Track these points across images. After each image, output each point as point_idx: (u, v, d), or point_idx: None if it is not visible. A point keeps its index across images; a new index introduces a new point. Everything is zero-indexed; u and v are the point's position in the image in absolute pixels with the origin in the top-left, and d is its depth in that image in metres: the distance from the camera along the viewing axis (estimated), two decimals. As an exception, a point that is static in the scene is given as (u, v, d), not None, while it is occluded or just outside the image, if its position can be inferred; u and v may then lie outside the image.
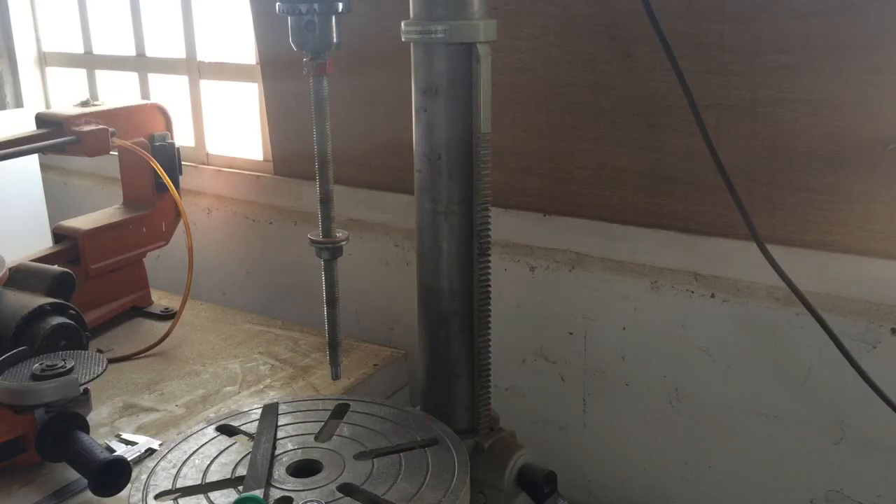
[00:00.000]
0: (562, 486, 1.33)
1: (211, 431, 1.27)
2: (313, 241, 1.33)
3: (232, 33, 2.31)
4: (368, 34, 1.76)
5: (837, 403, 1.48)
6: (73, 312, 1.66)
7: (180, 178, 2.03)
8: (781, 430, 1.55)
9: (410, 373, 1.86)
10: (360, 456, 1.18)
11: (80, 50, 2.72)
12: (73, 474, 1.37)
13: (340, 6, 1.21)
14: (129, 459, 1.35)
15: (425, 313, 1.35)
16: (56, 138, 1.77)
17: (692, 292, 1.59)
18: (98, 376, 1.37)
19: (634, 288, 1.65)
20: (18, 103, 2.86)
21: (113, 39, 2.64)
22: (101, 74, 2.72)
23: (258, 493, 1.07)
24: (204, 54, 2.37)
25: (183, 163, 2.07)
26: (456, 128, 1.24)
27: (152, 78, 2.55)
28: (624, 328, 1.68)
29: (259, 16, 2.06)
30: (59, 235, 1.96)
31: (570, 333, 1.74)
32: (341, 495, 1.09)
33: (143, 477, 1.14)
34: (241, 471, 1.14)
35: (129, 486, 1.28)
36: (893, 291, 1.42)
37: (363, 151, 1.98)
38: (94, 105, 1.90)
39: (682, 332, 1.61)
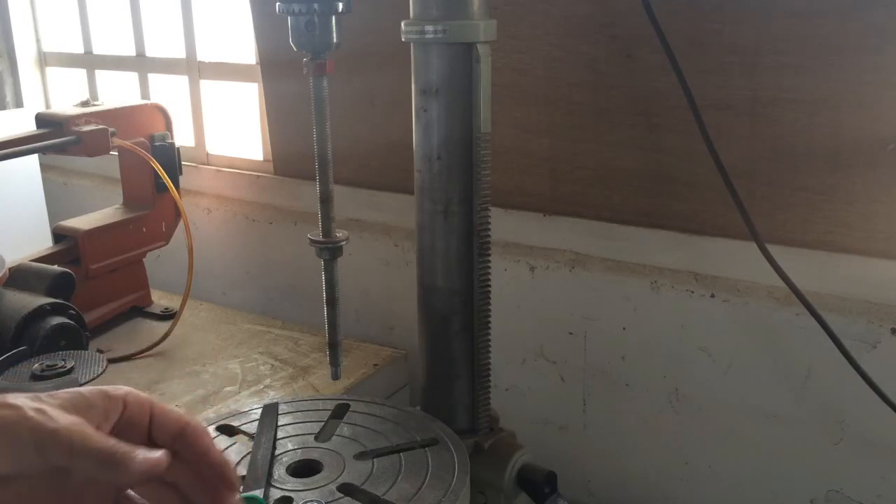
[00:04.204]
0: (562, 486, 1.33)
1: (211, 431, 1.27)
2: (313, 241, 1.33)
3: (232, 33, 2.31)
4: (368, 34, 1.76)
5: (837, 403, 1.48)
6: (73, 312, 1.66)
7: (180, 178, 2.04)
8: (781, 430, 1.55)
9: (410, 373, 1.86)
10: (360, 456, 1.18)
11: (80, 50, 2.72)
12: (73, 474, 1.36)
13: (340, 6, 1.21)
14: (129, 459, 1.35)
15: (425, 313, 1.35)
16: (56, 138, 1.77)
17: (692, 292, 1.59)
18: (98, 376, 1.37)
19: (634, 288, 1.65)
20: (18, 103, 2.86)
21: (113, 39, 2.64)
22: (101, 74, 2.72)
23: (258, 493, 1.07)
24: (204, 54, 2.37)
25: (183, 163, 2.07)
26: (456, 128, 1.24)
27: (152, 78, 2.54)
28: (624, 328, 1.68)
29: (259, 16, 2.06)
30: (59, 235, 1.96)
31: (570, 333, 1.74)
32: (341, 495, 1.09)
33: (143, 477, 1.14)
34: (241, 471, 1.14)
35: (129, 486, 1.28)
36: (893, 291, 1.42)
37: (363, 151, 1.98)
38: (94, 105, 1.90)
39: (681, 332, 1.61)
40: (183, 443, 0.70)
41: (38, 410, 0.60)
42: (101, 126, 1.81)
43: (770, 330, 1.53)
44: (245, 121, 2.32)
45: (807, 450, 1.53)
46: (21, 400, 0.61)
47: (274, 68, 2.10)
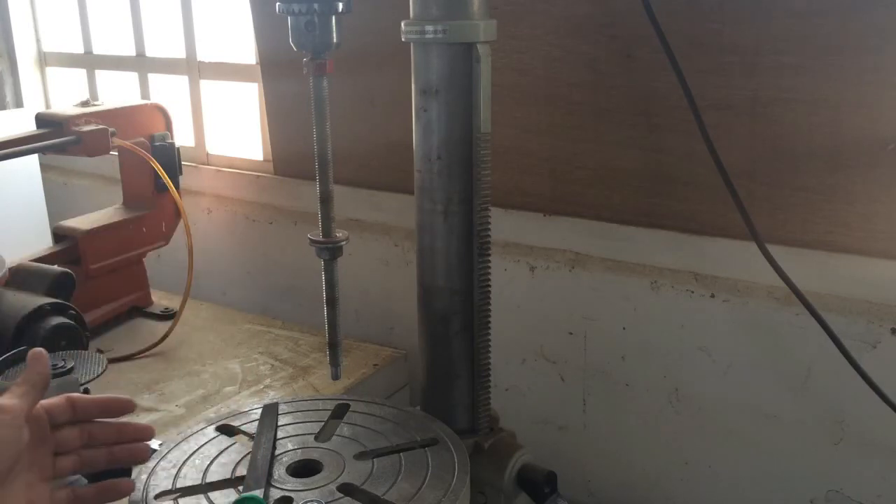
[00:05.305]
0: (562, 486, 1.33)
1: (211, 431, 1.27)
2: (313, 241, 1.33)
3: (232, 33, 2.31)
4: (368, 34, 1.77)
5: (837, 403, 1.48)
6: (73, 312, 1.66)
7: (180, 178, 2.04)
8: (781, 430, 1.55)
9: (410, 373, 1.86)
10: (360, 456, 1.18)
11: (80, 50, 2.72)
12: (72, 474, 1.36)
13: (340, 6, 1.21)
14: (129, 459, 1.35)
15: (425, 313, 1.35)
16: (56, 138, 1.77)
17: (692, 292, 1.59)
18: (98, 376, 1.37)
19: (634, 288, 1.65)
20: (18, 103, 2.86)
21: (113, 39, 2.64)
22: (101, 74, 2.72)
23: (258, 493, 1.07)
24: (204, 54, 2.37)
25: (183, 163, 2.07)
26: (456, 128, 1.24)
27: (152, 78, 2.55)
28: (624, 328, 1.68)
29: (259, 16, 2.06)
30: (59, 235, 1.96)
31: (570, 333, 1.74)
32: (341, 495, 1.09)
33: (143, 477, 1.14)
34: (241, 471, 1.14)
35: (129, 486, 1.28)
36: (893, 291, 1.42)
37: (363, 151, 1.98)
38: (94, 105, 1.90)
39: (681, 332, 1.61)
40: (76, 407, 0.92)
41: None
42: (101, 126, 1.81)
43: (770, 330, 1.53)
44: (245, 121, 2.32)
45: (807, 450, 1.53)
46: None
47: (274, 68, 2.10)
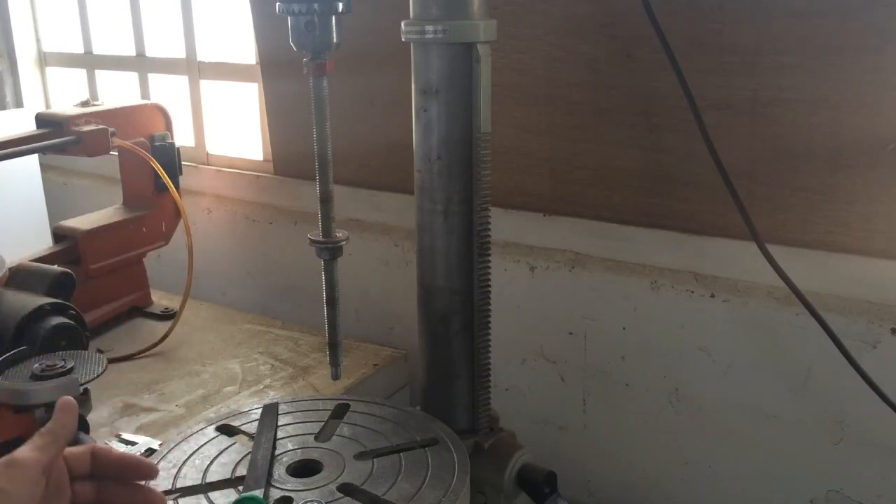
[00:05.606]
0: (562, 486, 1.33)
1: (211, 431, 1.27)
2: (313, 241, 1.33)
3: (232, 33, 2.31)
4: (368, 34, 1.76)
5: (837, 403, 1.48)
6: (73, 312, 1.66)
7: (180, 178, 2.04)
8: (781, 430, 1.55)
9: (410, 373, 1.86)
10: (360, 456, 1.19)
11: (80, 50, 2.72)
12: (73, 474, 1.36)
13: (340, 6, 1.21)
14: (129, 459, 1.35)
15: (425, 313, 1.35)
16: (56, 138, 1.77)
17: (692, 292, 1.59)
18: (98, 376, 1.37)
19: (634, 288, 1.65)
20: (18, 103, 2.86)
21: (113, 39, 2.64)
22: (101, 74, 2.72)
23: (258, 493, 1.07)
24: (204, 54, 2.37)
25: (183, 163, 2.07)
26: (456, 128, 1.24)
27: (152, 78, 2.55)
28: (624, 328, 1.68)
29: (259, 16, 2.06)
30: (59, 235, 1.96)
31: (570, 333, 1.74)
32: (341, 495, 1.09)
33: (143, 477, 1.14)
34: (241, 471, 1.14)
35: (129, 486, 1.28)
36: (893, 291, 1.42)
37: (363, 151, 1.98)
38: (94, 105, 1.90)
39: (681, 332, 1.61)
40: (97, 459, 0.90)
41: None
42: (101, 126, 1.81)
43: (770, 330, 1.53)
44: (245, 121, 2.32)
45: (807, 450, 1.53)
46: None
47: (274, 68, 2.10)
